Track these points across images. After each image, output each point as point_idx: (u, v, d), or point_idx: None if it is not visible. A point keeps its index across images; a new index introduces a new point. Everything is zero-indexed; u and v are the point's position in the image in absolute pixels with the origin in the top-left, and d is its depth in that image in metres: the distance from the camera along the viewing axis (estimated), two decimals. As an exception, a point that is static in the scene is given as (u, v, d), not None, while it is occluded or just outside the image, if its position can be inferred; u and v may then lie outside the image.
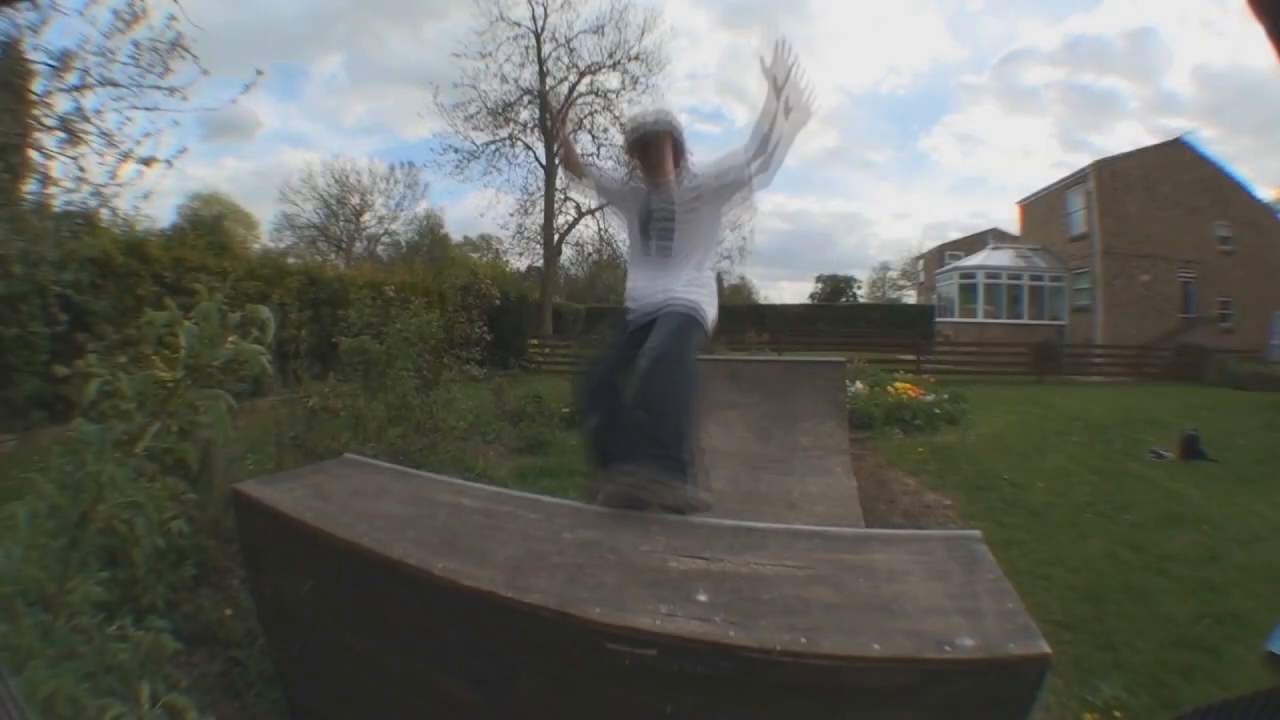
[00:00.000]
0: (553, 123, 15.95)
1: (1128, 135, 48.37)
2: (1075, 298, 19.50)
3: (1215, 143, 51.42)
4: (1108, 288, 18.05)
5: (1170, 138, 19.17)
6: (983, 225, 30.84)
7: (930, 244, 36.32)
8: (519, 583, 1.17)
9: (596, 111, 19.53)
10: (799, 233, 57.42)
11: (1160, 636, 2.35)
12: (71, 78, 3.23)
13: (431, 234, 32.62)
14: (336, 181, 29.14)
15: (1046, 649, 0.93)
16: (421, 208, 32.12)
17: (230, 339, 1.37)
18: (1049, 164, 60.39)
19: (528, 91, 18.97)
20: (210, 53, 3.57)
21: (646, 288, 2.03)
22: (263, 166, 44.77)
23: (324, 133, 46.04)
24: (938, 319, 22.67)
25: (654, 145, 2.05)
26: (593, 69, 19.14)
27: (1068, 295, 19.80)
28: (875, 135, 53.81)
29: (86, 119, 3.26)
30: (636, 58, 18.93)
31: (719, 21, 42.29)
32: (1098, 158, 18.80)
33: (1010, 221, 25.60)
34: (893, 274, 44.23)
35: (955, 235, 33.05)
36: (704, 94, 50.15)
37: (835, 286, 42.30)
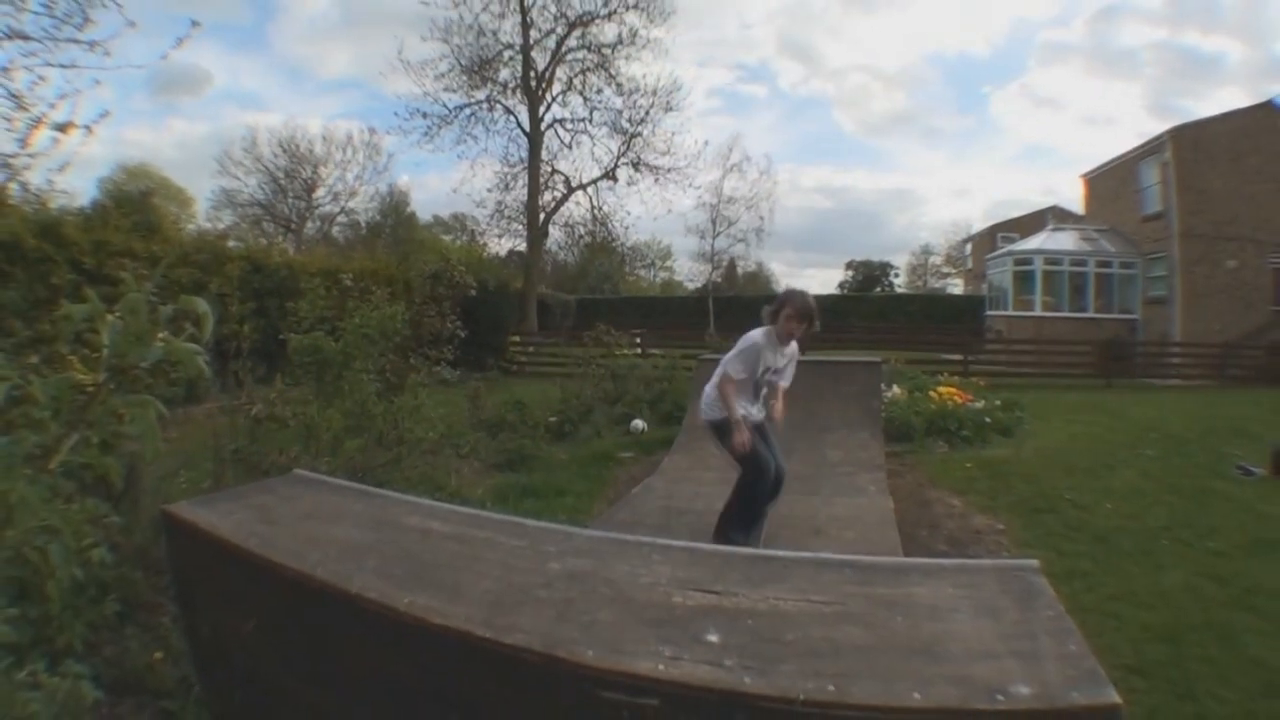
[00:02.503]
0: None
1: (1228, 103, 48.02)
2: (1149, 287, 19.50)
3: (1315, 106, 50.99)
4: (1187, 275, 18.04)
5: (1261, 100, 19.16)
6: (1052, 203, 30.62)
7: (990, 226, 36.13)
8: (499, 621, 1.17)
9: (589, 70, 19.58)
10: (840, 211, 56.59)
11: (1249, 685, 2.35)
12: (-28, 30, 3.24)
13: (395, 212, 32.68)
14: (284, 151, 29.20)
15: (1116, 698, 0.94)
16: (384, 181, 32.21)
17: (161, 336, 1.38)
18: (1135, 134, 60.27)
19: (509, 46, 18.98)
20: (138, 1, 3.57)
21: (758, 411, 3.57)
22: (215, 130, 45.00)
23: (281, 92, 46.22)
24: (988, 312, 22.72)
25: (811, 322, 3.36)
26: (585, 19, 19.16)
27: (1140, 284, 19.80)
28: (938, 98, 53.22)
29: (-9, 78, 3.27)
30: (635, 6, 18.96)
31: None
32: (1176, 124, 18.79)
33: (1077, 200, 25.55)
34: (935, 259, 44.37)
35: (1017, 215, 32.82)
36: (717, 51, 50.01)
37: (869, 274, 42.38)
